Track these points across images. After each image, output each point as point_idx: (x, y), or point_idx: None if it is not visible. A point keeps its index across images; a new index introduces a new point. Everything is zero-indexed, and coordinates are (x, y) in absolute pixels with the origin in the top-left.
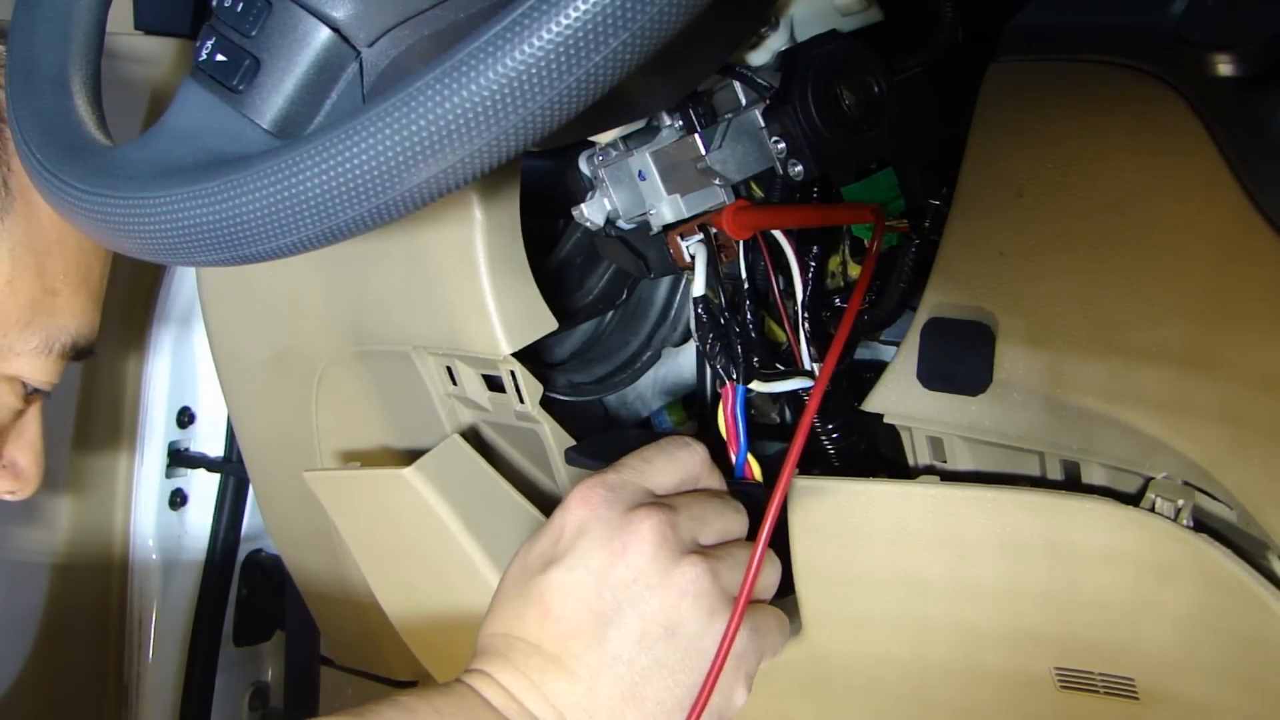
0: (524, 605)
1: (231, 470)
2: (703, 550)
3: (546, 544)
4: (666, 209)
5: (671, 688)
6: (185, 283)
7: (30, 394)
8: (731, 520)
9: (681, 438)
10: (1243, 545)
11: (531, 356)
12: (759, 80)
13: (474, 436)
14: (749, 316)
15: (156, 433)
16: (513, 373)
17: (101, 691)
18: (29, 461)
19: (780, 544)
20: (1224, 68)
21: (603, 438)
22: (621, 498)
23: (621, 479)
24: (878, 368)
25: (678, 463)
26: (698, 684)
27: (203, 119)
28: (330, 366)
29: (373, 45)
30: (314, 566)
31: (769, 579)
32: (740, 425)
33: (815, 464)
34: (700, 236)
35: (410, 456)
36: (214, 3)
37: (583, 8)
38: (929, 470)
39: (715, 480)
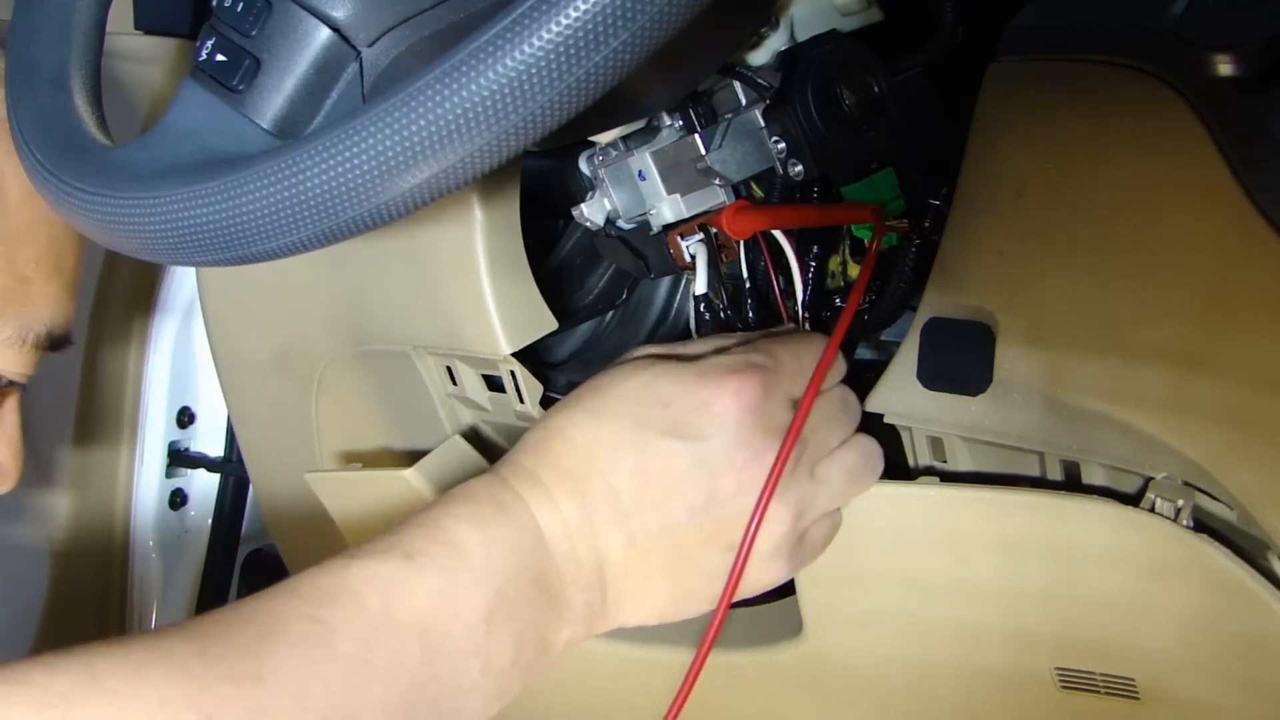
0: (623, 449)
1: (231, 470)
2: (809, 484)
3: (678, 405)
4: (666, 209)
5: (702, 583)
6: (185, 283)
7: (6, 386)
8: (848, 427)
9: (815, 335)
10: (1243, 545)
11: (531, 356)
12: (759, 80)
13: (474, 437)
14: (750, 316)
15: (156, 433)
16: (513, 373)
17: None
18: (8, 456)
19: None
20: (1224, 68)
21: None
22: (771, 408)
23: (778, 381)
24: (878, 368)
25: (818, 364)
26: (719, 591)
27: (203, 119)
28: (330, 366)
29: (373, 45)
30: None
31: (853, 466)
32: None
33: None
34: (700, 236)
35: (410, 457)
36: (214, 3)
37: (583, 8)
38: (929, 470)
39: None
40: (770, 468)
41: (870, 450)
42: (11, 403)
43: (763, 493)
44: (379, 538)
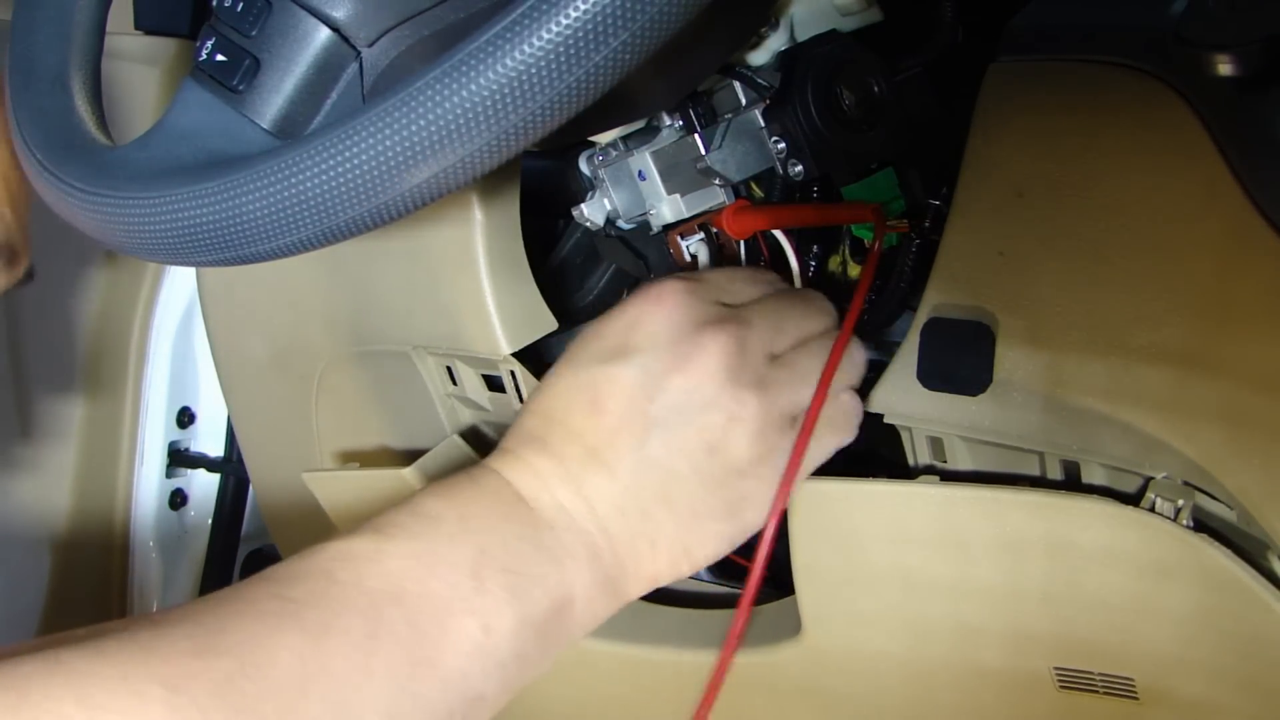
0: (573, 392)
1: (231, 470)
2: (770, 372)
3: (609, 335)
4: (666, 209)
5: (704, 497)
6: (185, 283)
7: None
8: (814, 318)
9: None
10: (1243, 545)
11: (531, 356)
12: (759, 80)
13: (474, 436)
14: None
15: (156, 433)
16: (513, 373)
17: None
18: None
19: (780, 543)
20: (1224, 68)
21: None
22: (696, 303)
23: (701, 283)
24: (878, 368)
25: (759, 282)
26: (732, 500)
27: (203, 119)
28: (330, 366)
29: (373, 45)
30: None
31: (849, 374)
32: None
33: None
34: (700, 236)
35: (410, 456)
36: (214, 3)
37: (583, 8)
38: (929, 470)
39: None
40: (720, 352)
41: (858, 356)
42: None
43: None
44: (358, 525)
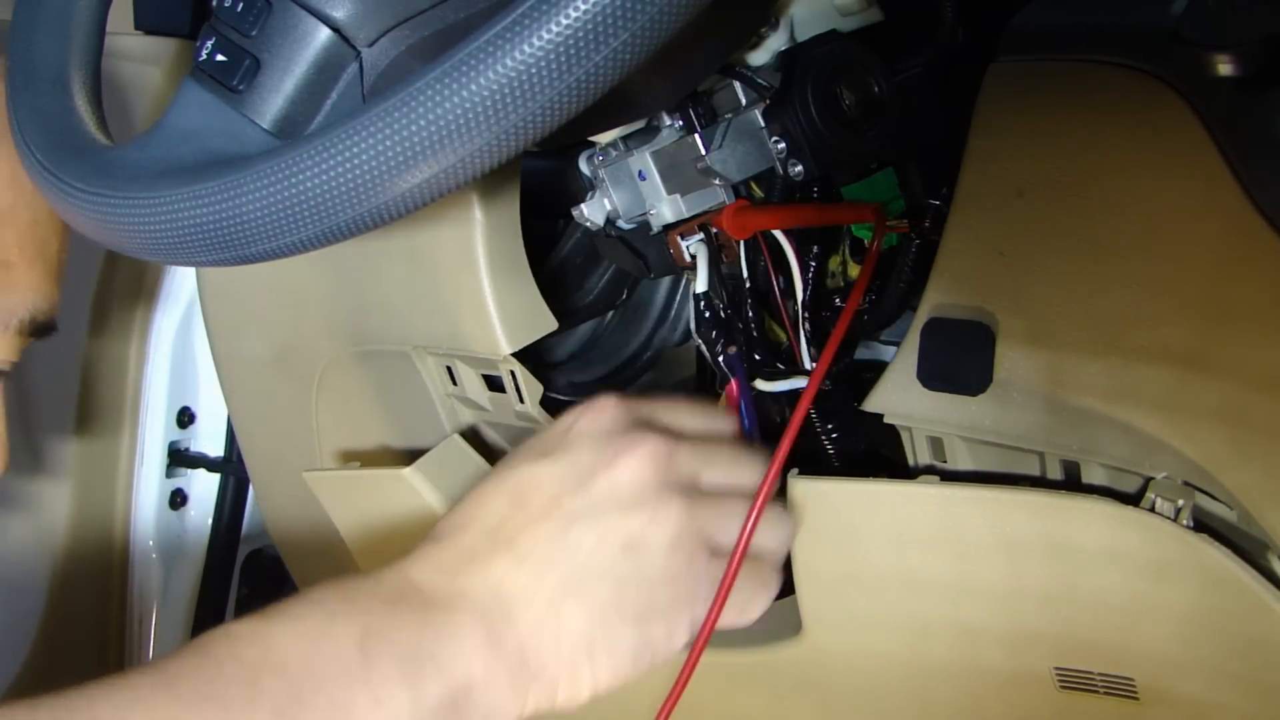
0: (495, 494)
1: (231, 470)
2: (696, 493)
3: (545, 439)
4: (666, 209)
5: (616, 598)
6: (185, 283)
7: None
8: (744, 472)
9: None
10: (1243, 545)
11: (531, 356)
12: (759, 80)
13: (474, 436)
14: (750, 315)
15: (156, 433)
16: (513, 373)
17: None
18: None
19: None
20: (1224, 68)
21: None
22: (632, 417)
23: (640, 403)
24: (878, 368)
25: (703, 416)
26: (642, 607)
27: (203, 119)
28: (330, 366)
29: (373, 45)
30: (314, 566)
31: (771, 537)
32: (745, 413)
33: (815, 464)
34: (700, 236)
35: (410, 456)
36: (214, 3)
37: (583, 7)
38: (929, 470)
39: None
40: (648, 457)
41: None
42: None
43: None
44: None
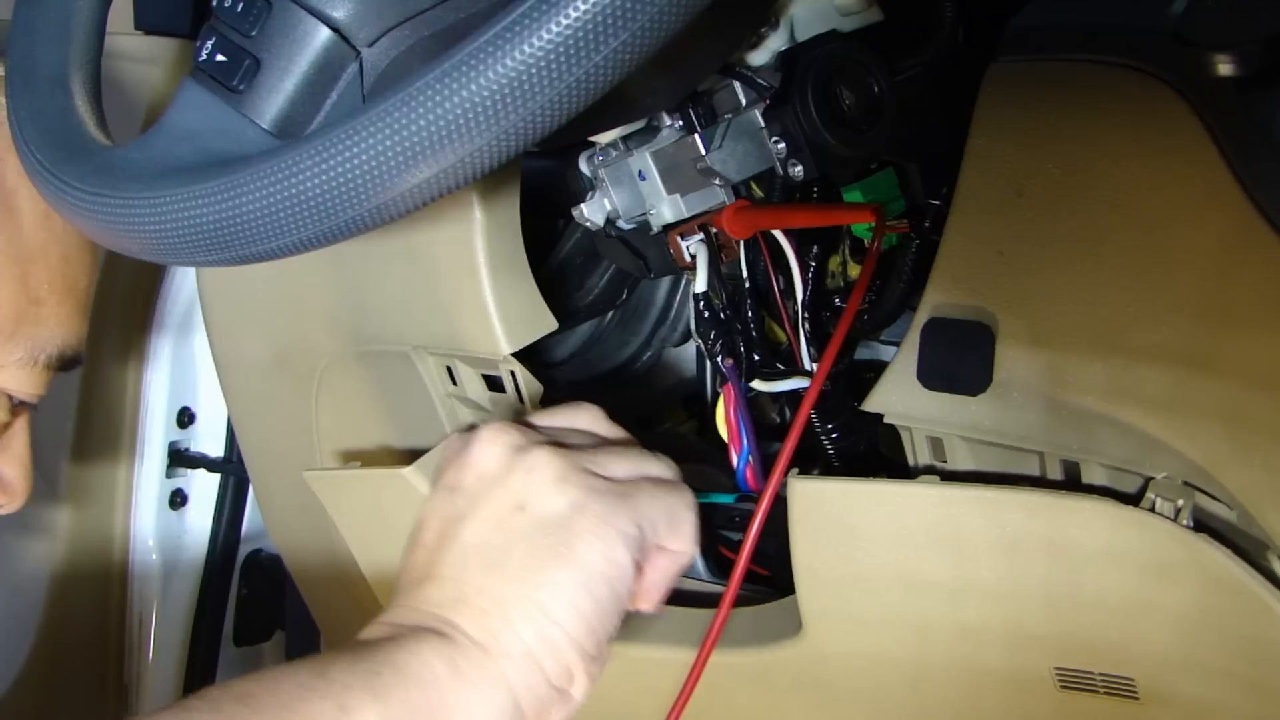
0: (411, 550)
1: (231, 470)
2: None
3: (449, 473)
4: (666, 209)
5: (531, 551)
6: (185, 283)
7: (16, 406)
8: (647, 463)
9: (578, 402)
10: (1243, 545)
11: (531, 356)
12: (759, 80)
13: None
14: (750, 315)
15: (156, 433)
16: (513, 373)
17: (102, 692)
18: (17, 474)
19: (780, 543)
20: (1224, 68)
21: None
22: (516, 434)
23: (526, 431)
24: (878, 368)
25: (581, 415)
26: (560, 544)
27: (203, 119)
28: (330, 366)
29: (373, 45)
30: (314, 566)
31: (654, 465)
32: (743, 426)
33: (815, 464)
34: (700, 236)
35: (410, 456)
36: (214, 3)
37: (583, 8)
38: (929, 470)
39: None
40: (494, 441)
41: (686, 500)
42: (21, 422)
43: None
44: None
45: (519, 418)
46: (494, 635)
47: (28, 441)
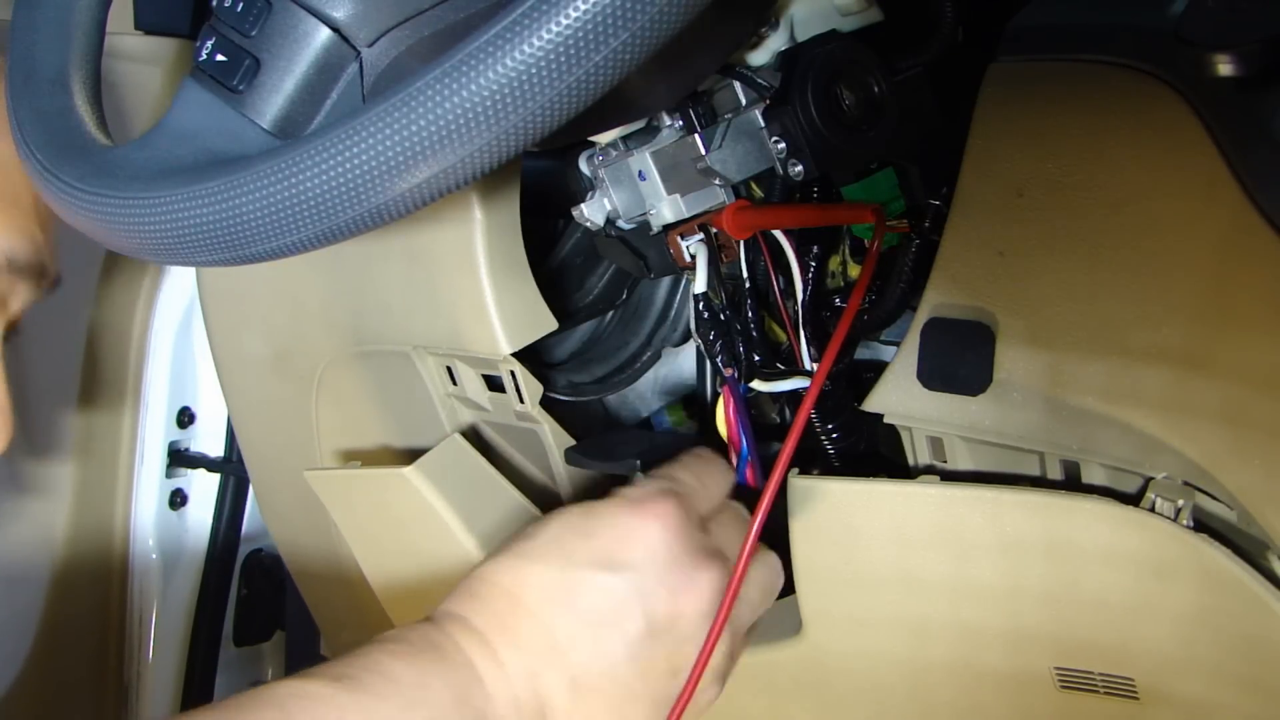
0: (554, 588)
1: (231, 470)
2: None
3: (599, 538)
4: (666, 209)
5: (649, 712)
6: (185, 283)
7: None
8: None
9: (707, 451)
10: (1243, 545)
11: (531, 356)
12: (759, 80)
13: (474, 436)
14: (750, 315)
15: (156, 433)
16: (513, 373)
17: (101, 691)
18: None
19: (781, 544)
20: (1224, 68)
21: (602, 437)
22: (686, 526)
23: (692, 504)
24: (878, 368)
25: (719, 482)
26: (666, 696)
27: (203, 119)
28: (330, 366)
29: (373, 45)
30: (314, 566)
31: (766, 583)
32: (742, 427)
33: (815, 464)
34: (700, 236)
35: (410, 456)
36: (214, 3)
37: (583, 8)
38: (929, 470)
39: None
40: (711, 591)
41: (775, 566)
42: None
43: (716, 620)
44: (319, 666)
45: (664, 477)
46: None
47: (4, 378)
